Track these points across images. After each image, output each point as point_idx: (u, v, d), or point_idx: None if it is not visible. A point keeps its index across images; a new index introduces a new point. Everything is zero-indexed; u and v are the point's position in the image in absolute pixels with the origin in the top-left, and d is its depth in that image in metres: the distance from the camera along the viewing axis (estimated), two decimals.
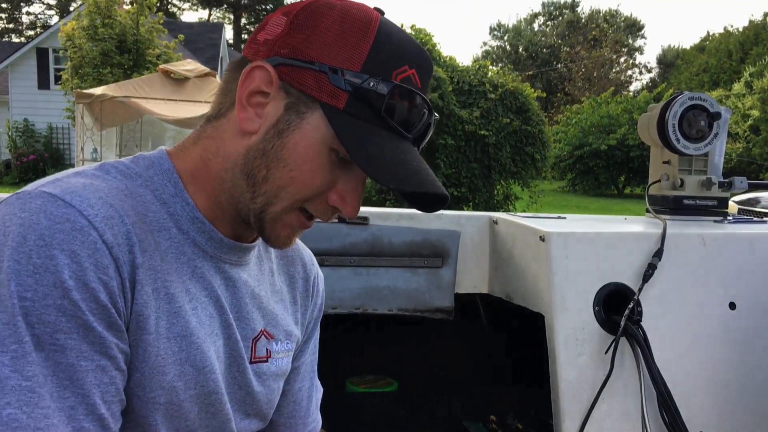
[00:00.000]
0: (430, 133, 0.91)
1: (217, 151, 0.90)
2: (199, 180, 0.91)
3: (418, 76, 0.87)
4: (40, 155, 19.71)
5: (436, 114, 0.90)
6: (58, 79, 18.05)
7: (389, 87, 0.82)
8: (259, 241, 1.00)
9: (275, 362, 1.01)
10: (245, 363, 0.96)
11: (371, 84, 0.82)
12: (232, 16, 43.82)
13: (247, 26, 44.64)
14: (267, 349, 1.00)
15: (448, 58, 16.61)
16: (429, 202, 0.91)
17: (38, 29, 38.15)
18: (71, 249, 0.75)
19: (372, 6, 0.90)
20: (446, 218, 1.99)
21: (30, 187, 0.82)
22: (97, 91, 11.33)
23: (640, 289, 1.68)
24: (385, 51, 0.84)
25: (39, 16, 43.25)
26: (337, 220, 1.83)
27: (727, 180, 2.06)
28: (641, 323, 1.66)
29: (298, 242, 1.12)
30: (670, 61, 44.69)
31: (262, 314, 1.00)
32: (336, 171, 0.86)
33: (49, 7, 42.67)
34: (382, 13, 0.89)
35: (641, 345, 1.63)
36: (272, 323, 1.01)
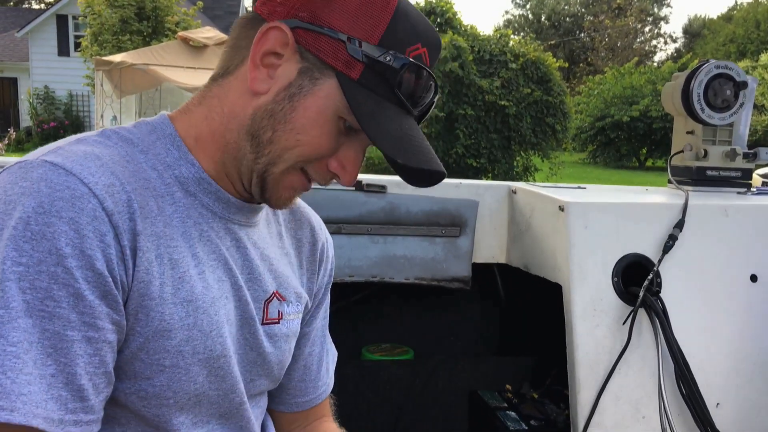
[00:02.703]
0: (431, 110, 0.93)
1: (222, 111, 0.90)
2: (202, 141, 0.91)
3: (429, 55, 0.88)
4: (61, 122, 19.86)
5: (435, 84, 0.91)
6: (77, 46, 18.13)
7: (403, 62, 0.84)
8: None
9: (286, 323, 1.02)
10: (257, 324, 0.97)
11: (387, 58, 0.83)
12: None
13: None
14: (279, 311, 1.00)
15: (468, 27, 16.43)
16: (424, 178, 0.91)
17: None
18: (70, 216, 0.75)
19: None
20: (465, 187, 1.97)
21: (32, 155, 0.82)
22: (117, 58, 11.35)
23: (660, 261, 1.66)
24: (401, 27, 0.85)
25: None
26: (354, 188, 1.82)
27: (752, 151, 2.02)
28: (660, 295, 1.64)
29: (307, 207, 1.12)
30: (696, 30, 43.81)
31: (274, 276, 1.00)
32: (340, 138, 0.87)
33: None
34: None
35: (659, 316, 1.62)
36: (284, 285, 1.01)
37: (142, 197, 0.83)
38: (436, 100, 0.91)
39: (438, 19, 16.68)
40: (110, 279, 0.78)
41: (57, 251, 0.74)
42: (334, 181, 0.91)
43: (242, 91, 0.88)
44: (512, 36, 16.46)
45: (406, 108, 0.86)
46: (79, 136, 0.88)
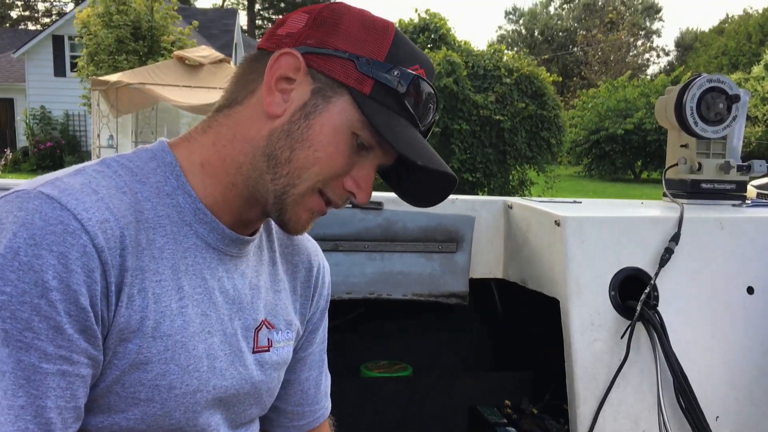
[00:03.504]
0: (431, 130, 0.97)
1: (234, 137, 0.91)
2: (208, 168, 0.91)
3: (426, 77, 0.92)
4: (57, 142, 19.85)
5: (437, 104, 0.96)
6: (74, 66, 18.17)
7: (411, 77, 0.88)
8: (260, 232, 1.02)
9: (276, 351, 1.02)
10: (245, 354, 0.97)
11: (395, 73, 0.87)
12: (246, 2, 43.74)
13: (261, 12, 44.60)
14: (268, 339, 1.01)
15: (462, 43, 16.51)
16: (441, 183, 0.94)
17: (54, 16, 38.32)
18: (60, 251, 0.76)
19: None
20: (460, 203, 1.98)
21: (30, 185, 0.83)
22: (113, 78, 11.39)
23: (656, 274, 1.66)
24: (402, 49, 0.90)
25: (54, 3, 43.43)
26: (351, 205, 1.83)
27: (746, 163, 2.03)
28: (657, 308, 1.65)
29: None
30: (688, 44, 44.14)
31: (263, 304, 1.00)
32: (353, 157, 0.90)
33: None
34: None
35: (657, 330, 1.62)
36: (272, 313, 1.02)
37: (134, 230, 0.84)
38: (437, 118, 0.94)
39: (432, 35, 16.78)
40: (92, 314, 0.79)
41: (43, 283, 0.75)
42: (351, 200, 0.93)
43: (256, 116, 0.90)
44: (506, 51, 16.57)
45: (415, 122, 0.90)
46: (78, 166, 0.89)
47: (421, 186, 0.96)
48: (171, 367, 0.86)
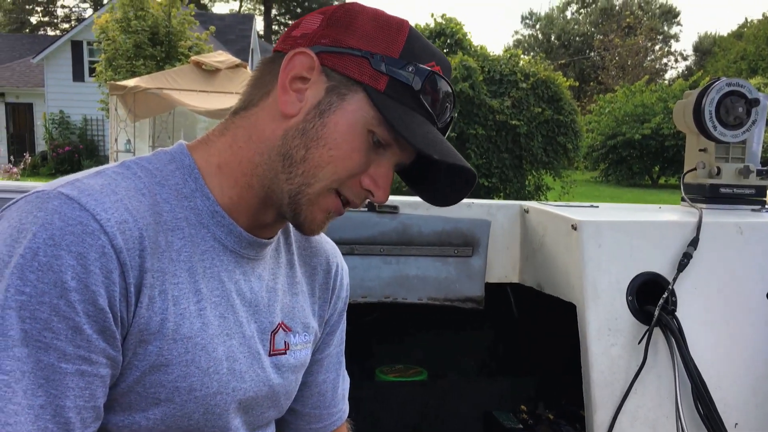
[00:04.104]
0: (449, 127, 0.96)
1: (249, 138, 0.91)
2: (225, 169, 0.92)
3: (443, 74, 0.92)
4: (76, 147, 20.07)
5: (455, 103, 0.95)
6: (92, 71, 18.35)
7: (426, 73, 0.88)
8: (278, 235, 1.01)
9: (293, 354, 1.02)
10: (263, 357, 0.97)
11: (409, 68, 0.87)
12: (262, 8, 43.99)
13: (278, 17, 44.81)
14: (285, 342, 1.01)
15: (479, 48, 16.50)
16: (460, 177, 0.94)
17: (73, 22, 38.75)
18: (79, 251, 0.76)
19: None
20: (476, 207, 1.97)
21: (50, 186, 0.83)
22: (131, 82, 11.47)
23: (674, 279, 1.65)
24: (417, 46, 0.90)
25: (73, 9, 43.98)
26: (366, 209, 1.83)
27: (765, 168, 2.01)
28: (675, 313, 1.63)
29: (323, 234, 1.12)
30: (706, 48, 43.79)
31: (280, 307, 1.00)
32: (370, 154, 0.89)
33: (84, 0, 43.30)
34: None
35: (675, 335, 1.60)
36: (289, 316, 1.02)
37: (153, 232, 0.84)
38: (455, 116, 0.93)
39: (448, 40, 16.78)
40: (110, 315, 0.79)
41: (62, 284, 0.75)
42: (368, 200, 0.93)
43: (271, 117, 0.90)
44: (522, 56, 16.54)
45: (432, 118, 0.89)
46: (98, 168, 0.89)
47: (441, 185, 0.95)
48: (191, 369, 0.86)
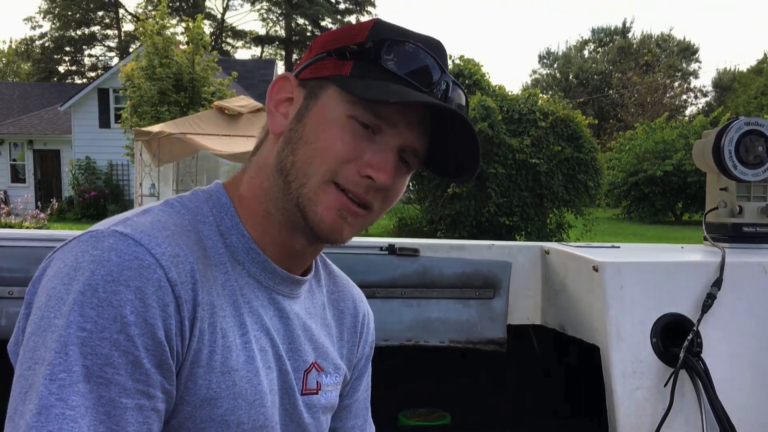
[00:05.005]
0: (458, 93, 0.93)
1: (259, 168, 0.95)
2: (245, 200, 0.95)
3: (429, 51, 0.90)
4: (101, 191, 20.40)
5: (462, 89, 0.94)
6: (118, 117, 18.74)
7: (386, 41, 0.88)
8: (311, 274, 1.03)
9: (325, 395, 1.02)
10: (296, 394, 0.98)
11: (368, 45, 0.88)
12: (283, 53, 44.85)
13: (298, 62, 45.54)
14: (317, 382, 1.01)
15: (497, 87, 16.63)
16: (466, 161, 0.93)
17: (99, 71, 39.68)
18: (137, 286, 0.78)
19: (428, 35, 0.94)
20: (497, 249, 1.97)
21: (102, 225, 0.86)
22: (155, 128, 11.70)
23: (699, 320, 1.63)
24: (386, 28, 0.90)
25: (100, 58, 45.06)
26: (387, 252, 1.84)
27: None
28: (701, 355, 1.61)
29: (349, 280, 1.14)
30: (726, 84, 43.70)
31: (313, 346, 1.01)
32: (361, 141, 0.88)
33: (110, 49, 44.45)
34: None
35: (702, 378, 1.58)
36: (323, 356, 1.02)
37: (202, 266, 0.86)
38: (450, 81, 0.91)
39: (466, 81, 16.95)
40: (167, 348, 0.80)
41: (122, 318, 0.77)
42: (373, 186, 0.90)
43: (271, 144, 0.95)
44: (540, 95, 16.63)
45: (408, 83, 0.87)
46: (144, 207, 0.93)
47: (455, 156, 0.94)
48: (239, 402, 0.87)
